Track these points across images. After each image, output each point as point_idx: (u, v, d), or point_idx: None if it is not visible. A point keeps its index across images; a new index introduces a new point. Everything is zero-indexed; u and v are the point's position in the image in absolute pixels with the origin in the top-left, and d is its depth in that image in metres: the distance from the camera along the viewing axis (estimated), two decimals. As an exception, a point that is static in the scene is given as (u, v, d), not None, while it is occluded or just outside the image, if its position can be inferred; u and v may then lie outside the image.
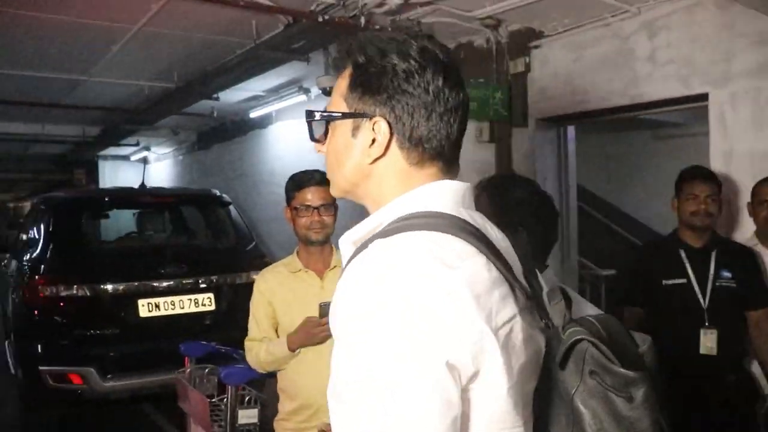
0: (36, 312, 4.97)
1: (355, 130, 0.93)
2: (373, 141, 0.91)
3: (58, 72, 6.71)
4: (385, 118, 0.90)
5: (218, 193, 6.14)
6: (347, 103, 0.93)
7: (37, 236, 5.59)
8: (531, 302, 0.90)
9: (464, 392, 0.78)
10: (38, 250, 5.30)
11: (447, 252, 0.81)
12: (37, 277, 4.99)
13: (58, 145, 11.70)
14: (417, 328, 0.76)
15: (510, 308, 0.84)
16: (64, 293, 4.86)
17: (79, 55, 6.15)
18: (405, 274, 0.78)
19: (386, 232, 0.85)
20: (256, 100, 7.96)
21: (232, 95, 7.38)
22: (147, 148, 12.13)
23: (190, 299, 5.34)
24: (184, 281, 5.28)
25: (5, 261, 6.59)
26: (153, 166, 12.97)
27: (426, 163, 0.92)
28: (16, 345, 5.30)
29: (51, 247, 5.19)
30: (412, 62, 0.90)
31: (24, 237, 6.28)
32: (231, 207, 6.14)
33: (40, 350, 4.83)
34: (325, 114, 0.95)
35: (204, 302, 5.39)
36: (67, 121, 10.07)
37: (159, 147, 12.27)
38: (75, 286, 4.90)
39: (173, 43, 5.65)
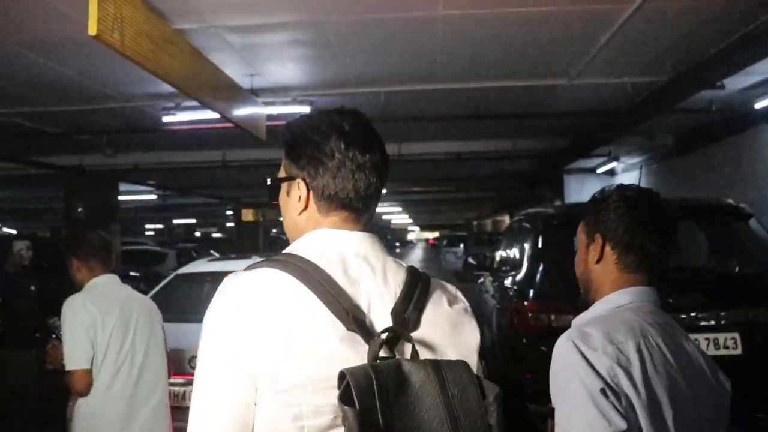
0: (524, 340, 4.49)
1: (289, 190, 1.19)
2: (299, 198, 1.16)
3: (536, 78, 6.36)
4: (304, 180, 1.15)
5: (736, 203, 4.77)
6: (285, 170, 1.20)
7: (521, 255, 5.17)
8: (354, 326, 1.02)
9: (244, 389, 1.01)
10: (525, 272, 4.83)
11: (256, 284, 1.06)
12: (526, 302, 4.50)
13: (524, 160, 11.75)
14: (213, 338, 1.05)
15: (310, 326, 1.01)
16: (556, 323, 4.23)
17: (561, 55, 5.61)
18: (223, 295, 1.08)
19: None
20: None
21: (737, 81, 5.91)
22: (615, 158, 11.23)
23: (708, 339, 4.15)
24: (699, 316, 4.13)
25: (485, 280, 6.44)
26: (620, 177, 12.02)
27: (332, 213, 1.15)
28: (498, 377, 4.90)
29: (540, 268, 4.64)
30: (320, 134, 1.14)
31: (505, 255, 6.00)
32: (752, 220, 4.71)
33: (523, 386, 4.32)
34: (271, 179, 1.24)
35: (727, 344, 4.13)
36: (534, 135, 9.93)
37: (628, 156, 11.28)
38: (567, 315, 4.22)
39: (675, 21, 4.59)
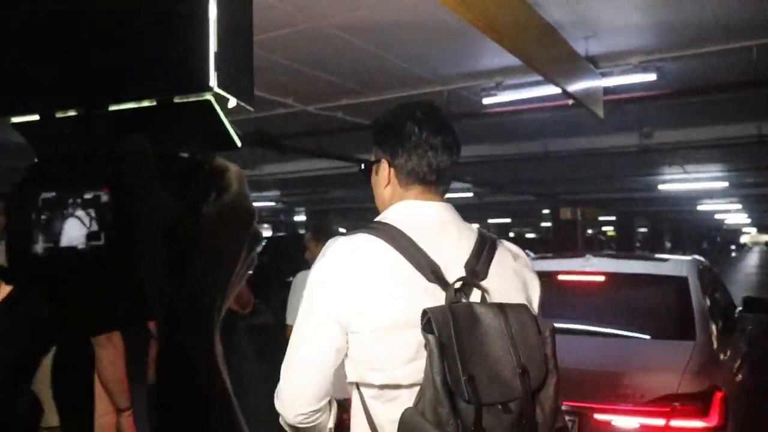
0: None
1: (378, 170, 1.49)
2: (385, 176, 1.46)
3: None
4: (388, 160, 1.45)
5: None
6: (374, 155, 1.50)
7: None
8: (433, 278, 1.28)
9: (345, 334, 1.31)
10: None
11: (354, 245, 1.34)
12: None
13: None
14: (311, 289, 1.35)
15: (398, 279, 1.29)
16: None
17: None
18: (324, 256, 1.38)
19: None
20: None
21: None
22: None
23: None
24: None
25: None
26: None
27: (411, 186, 1.43)
28: None
29: None
30: (399, 122, 1.43)
31: None
32: None
33: None
34: (364, 163, 1.54)
35: None
36: None
37: None
38: None
39: None
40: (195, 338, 0.46)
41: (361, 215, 22.00)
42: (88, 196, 0.48)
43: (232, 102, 0.49)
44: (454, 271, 1.29)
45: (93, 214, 0.48)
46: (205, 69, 0.46)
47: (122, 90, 0.48)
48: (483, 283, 1.29)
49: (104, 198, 0.48)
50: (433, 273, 1.26)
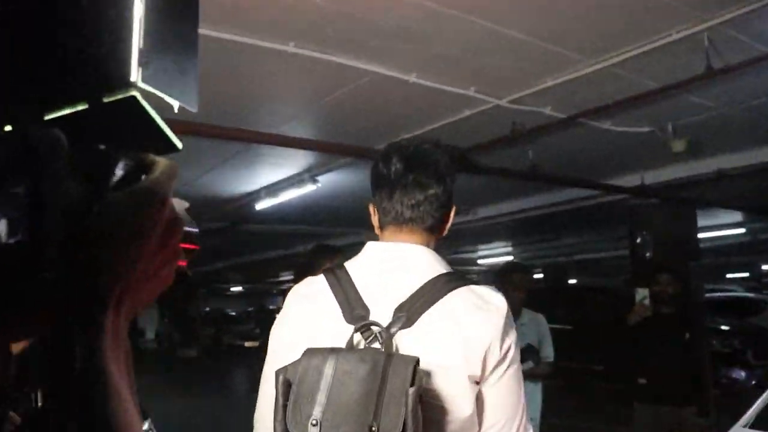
0: None
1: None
2: (374, 219, 1.49)
3: None
4: (374, 203, 1.46)
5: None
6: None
7: None
8: (360, 320, 1.28)
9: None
10: None
11: (298, 288, 1.45)
12: None
13: None
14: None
15: (322, 309, 1.34)
16: None
17: None
18: None
19: None
20: None
21: None
22: None
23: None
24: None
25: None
26: None
27: (386, 227, 1.44)
28: None
29: None
30: (375, 166, 1.45)
31: None
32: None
33: None
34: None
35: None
36: None
37: None
38: None
39: None
40: (79, 325, 0.43)
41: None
42: None
43: (174, 103, 0.49)
44: (380, 314, 1.28)
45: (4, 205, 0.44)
46: (127, 64, 0.45)
47: (53, 97, 0.47)
48: (402, 331, 1.26)
49: (15, 189, 0.44)
50: (355, 315, 1.29)
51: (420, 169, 1.39)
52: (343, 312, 1.29)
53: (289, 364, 1.20)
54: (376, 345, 1.23)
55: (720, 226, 12.04)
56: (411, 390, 1.13)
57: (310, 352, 1.20)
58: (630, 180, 7.65)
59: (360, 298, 1.30)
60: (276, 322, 1.42)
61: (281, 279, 25.76)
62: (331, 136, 5.61)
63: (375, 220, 1.47)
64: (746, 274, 23.55)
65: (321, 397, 1.15)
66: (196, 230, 0.63)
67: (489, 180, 6.78)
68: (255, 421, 1.40)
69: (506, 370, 1.28)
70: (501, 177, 6.53)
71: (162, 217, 0.46)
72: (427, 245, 1.41)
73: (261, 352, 1.49)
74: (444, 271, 1.35)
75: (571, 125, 5.35)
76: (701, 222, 8.44)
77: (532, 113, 5.00)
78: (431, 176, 1.40)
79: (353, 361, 1.18)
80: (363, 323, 1.25)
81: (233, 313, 26.13)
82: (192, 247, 0.58)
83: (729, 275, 23.10)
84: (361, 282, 1.33)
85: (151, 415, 5.46)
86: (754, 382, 8.94)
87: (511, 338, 1.30)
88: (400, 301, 1.28)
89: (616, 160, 7.02)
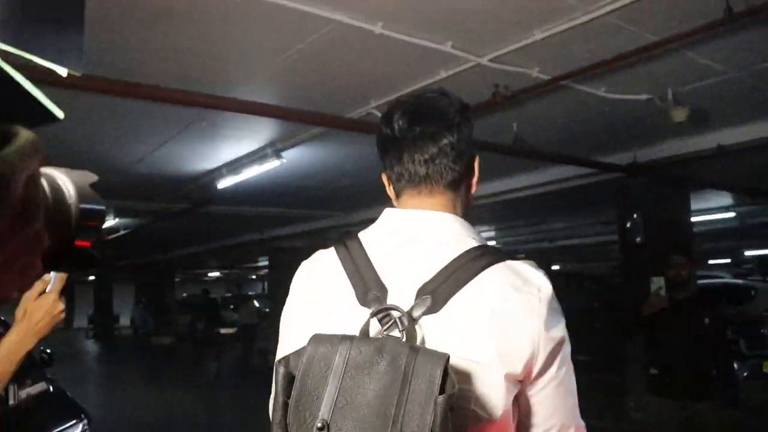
0: None
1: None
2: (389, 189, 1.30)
3: None
4: (386, 174, 1.27)
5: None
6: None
7: None
8: (376, 302, 1.09)
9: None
10: None
11: (307, 262, 1.28)
12: None
13: None
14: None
15: (333, 289, 1.16)
16: None
17: None
18: None
19: None
20: None
21: None
22: None
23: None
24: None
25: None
26: None
27: (402, 192, 1.24)
28: None
29: None
30: (378, 128, 1.25)
31: None
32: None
33: None
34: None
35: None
36: None
37: None
38: None
39: None
40: None
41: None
42: None
43: (61, 70, 0.45)
44: (400, 296, 1.09)
45: None
46: None
47: None
48: (426, 317, 1.07)
49: None
50: (370, 297, 1.10)
51: (427, 119, 1.21)
52: (356, 292, 1.13)
53: (291, 354, 1.03)
54: (395, 333, 1.05)
55: (709, 210, 11.62)
56: (440, 399, 0.94)
57: (316, 339, 1.03)
58: (622, 158, 7.13)
59: (376, 277, 1.13)
60: (285, 305, 1.27)
61: (259, 264, 25.13)
62: (292, 102, 4.97)
63: (390, 190, 1.28)
64: (728, 260, 23.24)
65: (329, 395, 0.99)
66: (102, 208, 0.54)
67: (469, 155, 6.20)
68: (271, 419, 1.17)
69: (559, 368, 1.11)
70: (482, 151, 5.94)
71: (5, 200, 0.40)
72: (454, 209, 1.21)
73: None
74: (475, 244, 1.15)
75: (561, 91, 4.76)
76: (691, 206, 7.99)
77: (516, 74, 4.39)
78: (441, 125, 1.20)
79: (368, 352, 1.00)
80: (380, 307, 1.07)
81: (212, 298, 25.52)
82: (95, 224, 0.51)
83: (711, 261, 22.79)
84: (377, 255, 1.16)
85: (91, 415, 4.73)
86: (746, 374, 8.52)
87: (560, 327, 1.12)
88: (424, 281, 1.10)
89: (609, 135, 6.46)
